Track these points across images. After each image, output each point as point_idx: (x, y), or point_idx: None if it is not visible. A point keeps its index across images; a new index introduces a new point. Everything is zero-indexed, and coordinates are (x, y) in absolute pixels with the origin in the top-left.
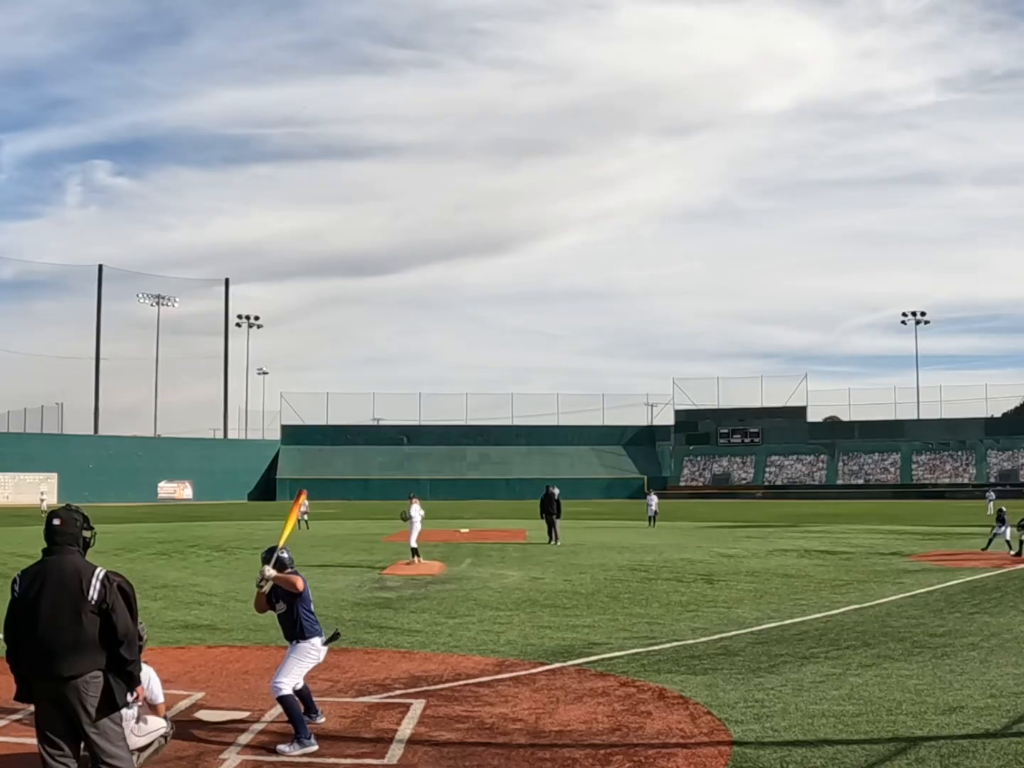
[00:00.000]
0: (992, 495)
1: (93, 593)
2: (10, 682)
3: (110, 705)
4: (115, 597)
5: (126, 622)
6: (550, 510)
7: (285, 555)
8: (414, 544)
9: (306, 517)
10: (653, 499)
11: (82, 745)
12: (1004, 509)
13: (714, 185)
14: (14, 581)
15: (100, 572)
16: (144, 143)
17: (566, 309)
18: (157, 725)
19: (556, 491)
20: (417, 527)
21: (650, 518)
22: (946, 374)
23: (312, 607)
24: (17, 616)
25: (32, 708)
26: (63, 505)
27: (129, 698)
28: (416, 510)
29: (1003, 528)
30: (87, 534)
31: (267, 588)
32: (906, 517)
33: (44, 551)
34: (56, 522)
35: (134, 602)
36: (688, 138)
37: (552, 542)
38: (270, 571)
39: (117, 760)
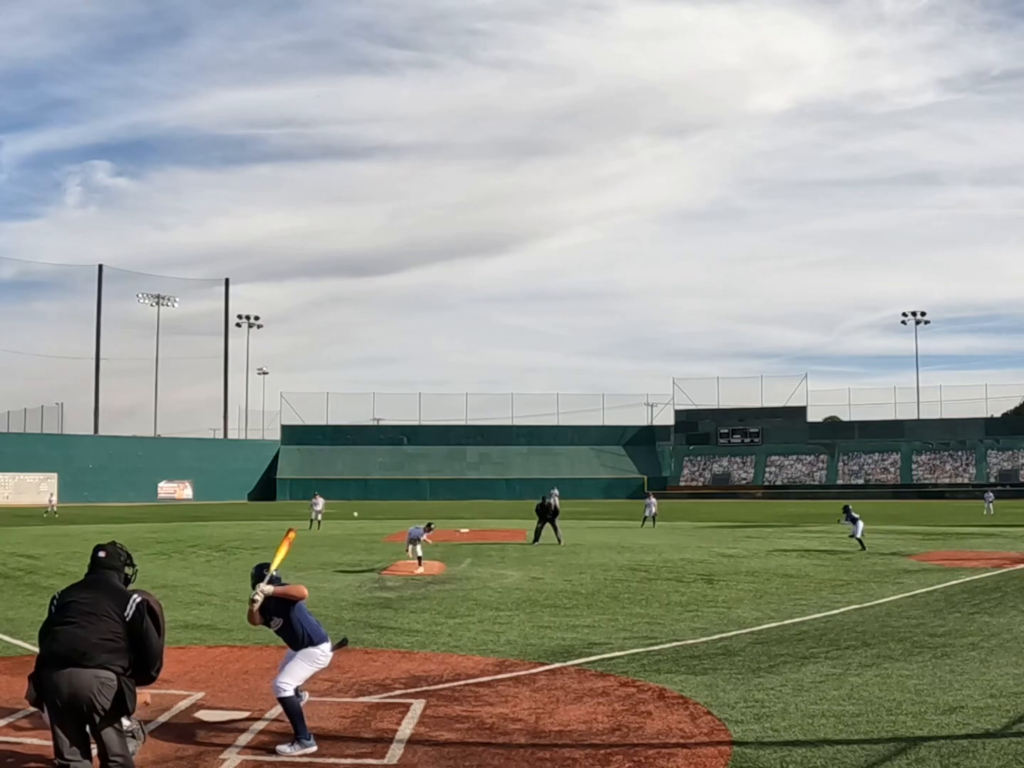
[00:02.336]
0: (991, 496)
1: (129, 611)
2: (11, 682)
3: (120, 709)
4: (148, 624)
5: (154, 648)
6: (545, 516)
7: (276, 574)
8: (419, 552)
9: (320, 517)
10: (652, 500)
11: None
12: (850, 506)
13: (714, 185)
14: (53, 598)
15: (137, 597)
16: (144, 143)
17: (566, 309)
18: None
19: (553, 500)
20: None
21: (646, 518)
22: (946, 374)
23: (309, 613)
24: (53, 617)
25: (33, 710)
26: (109, 542)
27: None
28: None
29: (855, 524)
30: (128, 571)
31: (259, 603)
32: (906, 517)
33: (87, 574)
34: (101, 554)
35: (162, 620)
36: (688, 138)
37: (536, 541)
38: (267, 588)
39: (122, 760)
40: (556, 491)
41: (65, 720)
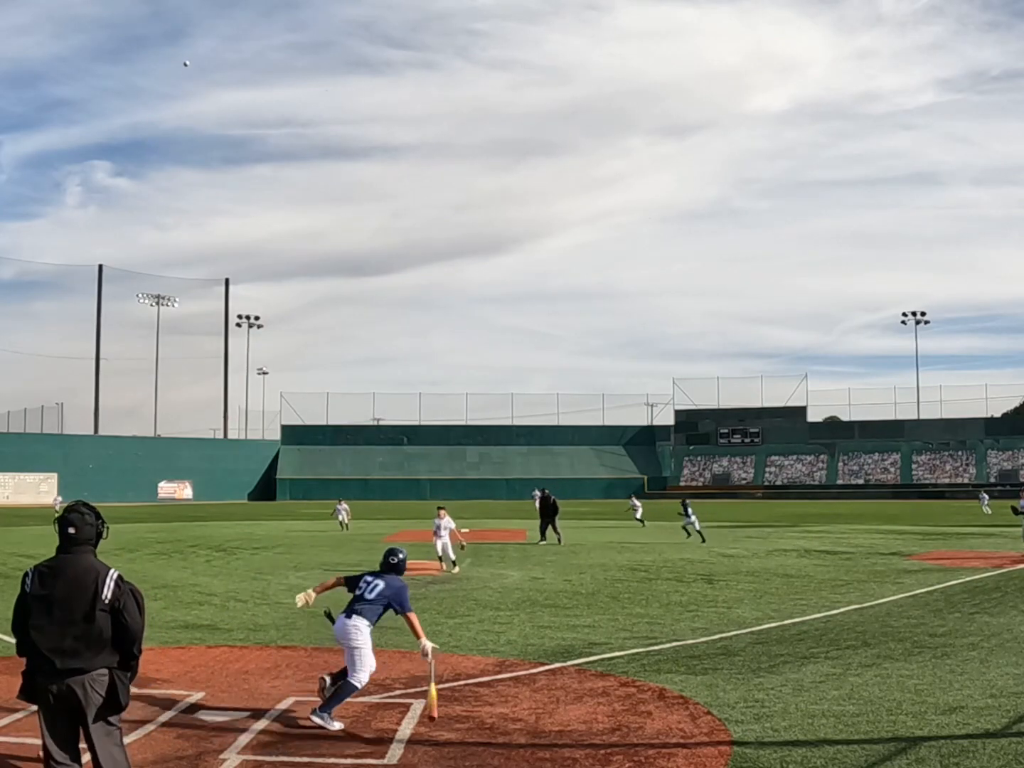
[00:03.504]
0: (986, 496)
1: (107, 592)
2: (10, 682)
3: (113, 705)
4: (127, 598)
5: (136, 621)
6: (547, 513)
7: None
8: (452, 555)
9: (346, 519)
10: (637, 503)
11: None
12: (688, 501)
13: (713, 185)
14: (25, 575)
15: (114, 573)
16: (143, 144)
17: (566, 309)
18: None
19: (541, 497)
20: (444, 535)
21: (639, 520)
22: (946, 374)
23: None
24: (28, 610)
25: (32, 708)
26: (72, 503)
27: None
28: (444, 523)
29: (690, 518)
30: (100, 529)
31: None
32: (906, 517)
33: (59, 549)
34: (71, 530)
35: (143, 609)
36: (687, 138)
37: (542, 541)
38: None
39: (116, 762)
40: (537, 492)
41: (56, 721)
